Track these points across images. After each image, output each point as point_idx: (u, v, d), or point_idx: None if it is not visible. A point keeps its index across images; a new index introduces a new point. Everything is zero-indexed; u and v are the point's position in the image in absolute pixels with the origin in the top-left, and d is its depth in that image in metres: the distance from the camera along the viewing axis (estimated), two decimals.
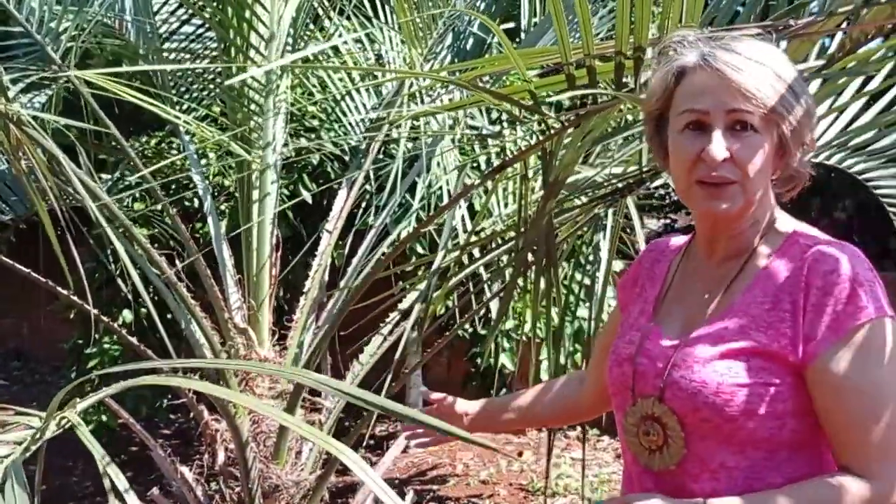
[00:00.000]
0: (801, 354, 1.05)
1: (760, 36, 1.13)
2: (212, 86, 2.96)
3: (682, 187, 1.14)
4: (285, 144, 2.67)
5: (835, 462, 1.08)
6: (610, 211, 2.32)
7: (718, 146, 1.06)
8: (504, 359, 3.91)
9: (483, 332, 3.84)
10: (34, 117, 2.33)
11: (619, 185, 1.99)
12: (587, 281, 3.15)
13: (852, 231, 5.73)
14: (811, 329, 1.05)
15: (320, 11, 3.18)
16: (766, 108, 1.06)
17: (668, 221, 7.05)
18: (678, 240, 1.35)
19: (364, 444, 5.17)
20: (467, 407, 1.61)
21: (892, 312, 1.05)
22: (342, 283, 2.66)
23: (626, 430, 1.20)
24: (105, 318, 2.43)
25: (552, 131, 1.75)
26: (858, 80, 2.18)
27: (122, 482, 1.37)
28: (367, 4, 3.22)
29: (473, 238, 2.41)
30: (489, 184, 2.54)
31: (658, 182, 2.34)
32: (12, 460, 1.08)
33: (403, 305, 2.75)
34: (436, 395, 1.65)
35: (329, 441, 0.93)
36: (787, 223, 1.17)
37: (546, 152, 1.86)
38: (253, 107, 2.42)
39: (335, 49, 3.25)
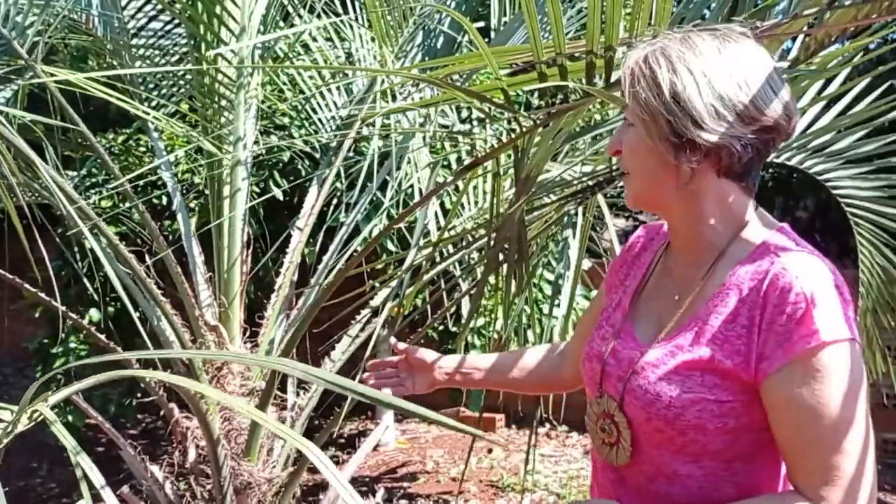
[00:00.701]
0: (753, 372, 1.03)
1: (715, 34, 1.09)
2: (181, 82, 2.94)
3: None
4: (255, 142, 2.66)
5: (790, 480, 1.06)
6: (580, 209, 2.35)
7: (611, 139, 1.17)
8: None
9: (454, 329, 3.85)
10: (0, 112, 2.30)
11: (590, 182, 2.01)
12: (551, 277, 3.19)
13: (814, 230, 5.84)
14: (764, 348, 1.02)
15: (290, 9, 3.17)
16: (629, 103, 1.10)
17: (636, 223, 7.13)
18: (665, 227, 1.32)
19: (335, 442, 5.17)
20: (441, 362, 1.60)
21: (850, 334, 1.01)
22: (313, 281, 2.66)
23: (588, 419, 1.23)
24: (74, 316, 2.40)
25: (524, 129, 1.78)
26: (818, 84, 2.25)
27: (97, 477, 1.37)
28: (337, 1, 3.21)
29: (445, 235, 2.43)
30: (460, 182, 2.56)
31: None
32: None
33: (375, 303, 2.76)
34: (403, 346, 1.63)
35: (299, 439, 0.93)
36: (760, 229, 1.12)
37: (517, 150, 1.88)
38: (224, 102, 2.40)
39: (305, 46, 3.24)
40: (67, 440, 1.12)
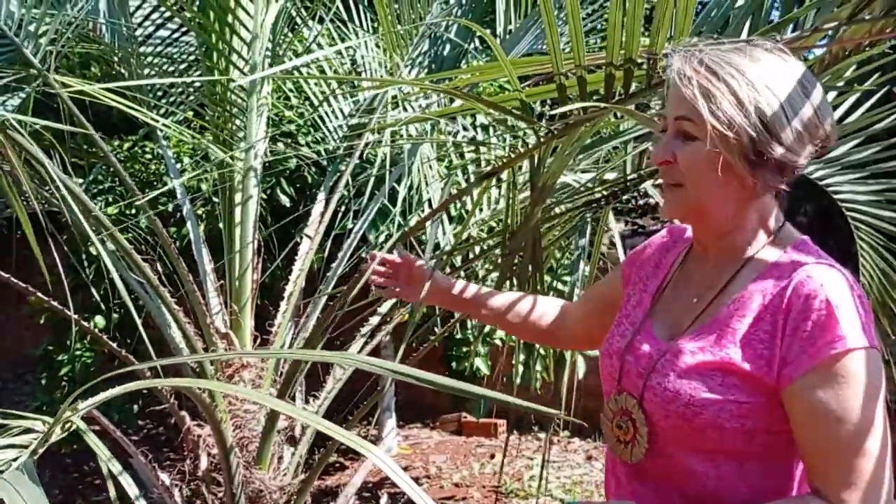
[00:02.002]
0: (776, 376, 1.05)
1: (766, 47, 1.11)
2: (191, 89, 2.94)
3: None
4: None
5: (808, 482, 1.08)
6: (588, 216, 2.37)
7: (658, 148, 1.13)
8: (479, 363, 3.94)
9: (458, 336, 3.86)
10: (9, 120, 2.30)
11: (605, 192, 2.03)
12: (559, 286, 3.20)
13: (813, 235, 5.86)
14: (788, 352, 1.04)
15: (296, 16, 3.18)
16: (697, 118, 1.07)
17: (634, 227, 7.15)
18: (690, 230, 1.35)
19: (338, 447, 5.17)
20: (438, 276, 1.67)
21: (870, 342, 1.03)
22: (323, 288, 2.67)
23: (604, 415, 1.24)
24: (84, 323, 2.40)
25: (541, 140, 1.79)
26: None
27: (133, 489, 1.37)
28: (342, 7, 3.22)
29: (458, 243, 2.44)
30: (471, 190, 2.57)
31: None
32: (23, 462, 1.07)
33: (382, 310, 2.76)
34: (406, 254, 1.71)
35: (345, 432, 0.93)
36: (785, 240, 1.15)
37: (534, 160, 1.90)
38: (235, 109, 2.41)
39: (309, 51, 3.25)
40: (101, 450, 1.13)
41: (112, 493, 1.14)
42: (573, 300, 2.37)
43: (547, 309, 1.62)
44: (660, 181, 1.19)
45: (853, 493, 1.01)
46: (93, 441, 1.13)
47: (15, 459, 1.06)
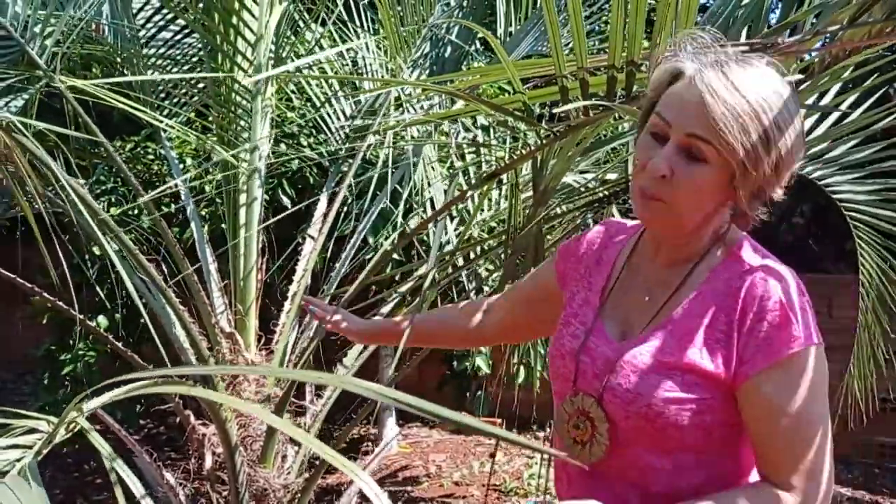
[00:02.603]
0: (733, 374, 1.09)
1: (769, 62, 1.11)
2: (195, 90, 2.96)
3: (630, 186, 1.16)
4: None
5: (757, 469, 1.13)
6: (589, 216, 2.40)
7: (660, 161, 1.07)
8: (479, 361, 3.96)
9: None
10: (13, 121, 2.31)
11: (606, 192, 2.05)
12: None
13: (810, 234, 5.90)
14: (744, 352, 1.08)
15: (298, 18, 3.19)
16: (723, 142, 1.03)
17: None
18: (629, 226, 1.36)
19: (336, 446, 5.19)
20: (360, 325, 1.73)
21: (818, 339, 1.09)
22: (326, 289, 2.68)
23: (559, 417, 1.24)
24: (90, 323, 2.42)
25: (543, 141, 1.81)
26: (812, 97, 2.31)
27: (138, 488, 1.38)
28: (343, 9, 3.24)
29: (460, 244, 2.46)
30: (471, 191, 2.59)
31: None
32: (26, 463, 1.08)
33: (385, 310, 2.78)
34: (314, 301, 1.76)
35: (335, 454, 0.94)
36: (733, 236, 1.18)
37: (536, 162, 1.92)
38: (240, 111, 2.43)
39: (311, 53, 3.27)
40: (104, 448, 1.14)
41: (120, 496, 1.15)
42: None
43: (469, 312, 1.62)
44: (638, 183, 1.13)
45: (802, 480, 1.07)
46: (98, 442, 1.13)
47: (19, 460, 1.07)
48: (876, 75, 1.99)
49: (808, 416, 1.07)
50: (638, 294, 1.23)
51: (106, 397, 1.22)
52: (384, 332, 1.77)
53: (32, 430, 1.14)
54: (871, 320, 2.51)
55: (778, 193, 1.12)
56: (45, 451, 1.13)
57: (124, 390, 1.25)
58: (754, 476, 1.16)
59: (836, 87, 2.26)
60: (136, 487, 1.35)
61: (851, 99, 2.25)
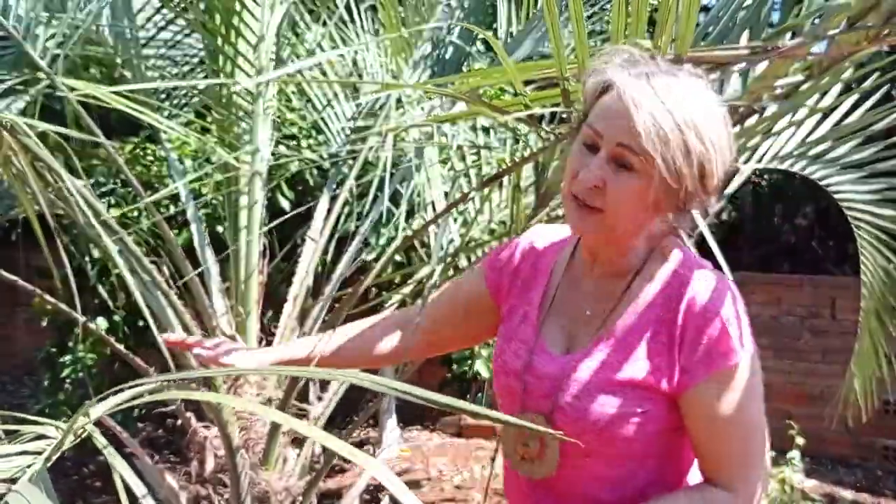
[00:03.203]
0: (675, 384, 1.13)
1: (697, 75, 1.14)
2: (195, 91, 2.96)
3: (563, 194, 1.17)
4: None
5: (699, 469, 1.19)
6: None
7: (591, 172, 1.08)
8: (479, 365, 3.96)
9: None
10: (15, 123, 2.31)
11: None
12: None
13: (813, 236, 5.90)
14: (686, 363, 1.12)
15: (299, 20, 3.19)
16: (644, 153, 1.05)
17: None
18: (559, 234, 1.36)
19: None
20: (257, 359, 1.48)
21: (752, 346, 1.14)
22: (328, 291, 2.68)
23: (506, 433, 1.26)
24: (92, 325, 2.41)
25: (545, 144, 1.81)
26: (813, 98, 2.32)
27: (140, 488, 1.38)
28: (343, 9, 3.23)
29: (456, 246, 2.45)
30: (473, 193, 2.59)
31: None
32: (36, 469, 1.08)
33: (386, 313, 2.78)
34: (174, 338, 1.53)
35: (346, 445, 0.93)
36: (667, 247, 1.20)
37: (538, 164, 1.92)
38: (241, 113, 2.43)
39: (311, 53, 3.26)
40: (114, 457, 1.13)
41: (124, 499, 1.14)
42: None
43: (383, 329, 1.50)
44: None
45: (742, 481, 1.14)
46: (108, 451, 1.12)
47: (29, 466, 1.06)
48: (877, 74, 1.99)
49: (746, 420, 1.13)
50: (578, 307, 1.24)
51: (111, 402, 1.21)
52: (285, 363, 1.53)
53: (41, 437, 1.13)
54: (871, 321, 2.52)
55: (710, 205, 1.15)
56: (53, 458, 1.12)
57: (129, 395, 1.24)
58: (695, 473, 1.21)
59: (836, 88, 2.26)
60: (138, 488, 1.35)
61: (852, 99, 2.25)
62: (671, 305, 1.14)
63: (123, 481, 1.14)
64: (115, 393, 1.18)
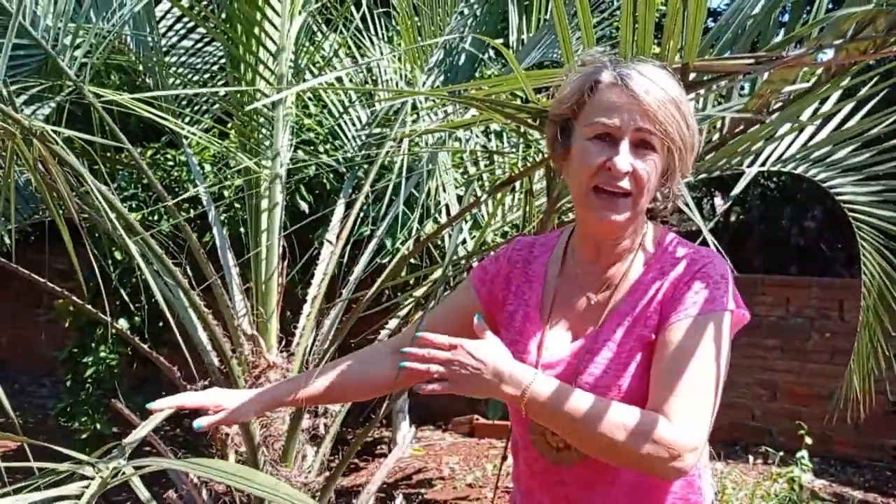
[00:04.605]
0: (658, 328, 1.22)
1: (660, 64, 1.26)
2: (216, 98, 3.03)
3: (581, 191, 1.23)
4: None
5: (647, 406, 1.19)
6: None
7: (624, 159, 1.18)
8: None
9: None
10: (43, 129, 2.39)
11: None
12: None
13: (821, 238, 5.92)
14: (667, 308, 1.21)
15: (316, 29, 3.26)
16: (665, 133, 1.18)
17: None
18: (544, 238, 1.44)
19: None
20: (250, 403, 1.40)
21: (735, 307, 1.21)
22: (345, 293, 2.75)
23: (531, 429, 1.31)
24: (116, 326, 2.49)
25: None
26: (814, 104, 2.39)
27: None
28: (357, 16, 3.30)
29: (474, 249, 2.52)
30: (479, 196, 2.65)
31: None
32: None
33: (402, 313, 2.85)
34: (160, 404, 1.39)
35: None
36: (655, 231, 1.32)
37: (550, 168, 1.98)
38: (262, 119, 2.50)
39: (324, 59, 3.33)
40: (141, 492, 1.17)
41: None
42: None
43: (374, 358, 1.46)
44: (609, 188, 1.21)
45: (679, 415, 1.14)
46: (136, 485, 1.14)
47: None
48: (875, 80, 2.05)
49: (707, 367, 1.16)
50: (580, 300, 1.31)
51: (154, 463, 1.19)
52: (276, 403, 1.49)
53: (75, 474, 1.12)
54: (870, 317, 2.59)
55: (690, 171, 1.27)
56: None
57: (169, 463, 1.24)
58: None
59: (836, 94, 2.32)
60: (180, 481, 1.38)
61: (852, 105, 2.33)
62: (666, 272, 1.25)
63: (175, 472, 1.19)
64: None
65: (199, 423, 1.37)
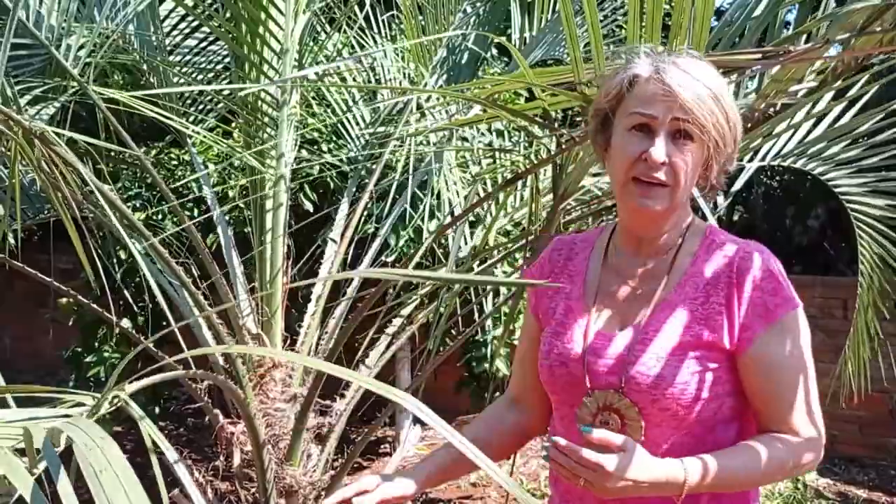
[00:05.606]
0: (736, 341, 1.22)
1: (698, 56, 1.28)
2: (220, 97, 3.03)
3: (620, 181, 1.26)
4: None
5: (762, 427, 1.26)
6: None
7: (660, 150, 1.20)
8: (499, 363, 4.01)
9: (479, 338, 3.93)
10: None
11: None
12: None
13: (825, 237, 5.91)
14: (745, 319, 1.21)
15: (320, 29, 3.26)
16: (700, 125, 1.19)
17: None
18: (583, 235, 1.47)
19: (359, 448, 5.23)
20: (404, 487, 1.36)
21: (799, 301, 1.25)
22: (349, 292, 2.75)
23: (579, 420, 1.28)
24: (122, 325, 2.49)
25: (563, 146, 1.87)
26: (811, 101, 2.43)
27: (172, 453, 1.42)
28: (360, 14, 3.30)
29: (479, 248, 2.52)
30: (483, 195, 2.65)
31: None
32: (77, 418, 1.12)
33: (405, 312, 2.84)
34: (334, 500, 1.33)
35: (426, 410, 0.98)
36: (701, 224, 1.34)
37: (556, 166, 1.98)
38: (266, 119, 2.50)
39: (328, 58, 3.33)
40: (152, 430, 1.18)
41: (160, 478, 1.18)
42: None
43: (499, 416, 1.49)
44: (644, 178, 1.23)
45: (808, 426, 1.23)
46: (135, 411, 1.17)
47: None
48: (867, 79, 2.09)
49: (805, 367, 1.22)
50: (624, 290, 1.32)
51: (147, 381, 1.25)
52: (439, 474, 1.44)
53: (79, 404, 1.19)
54: (865, 299, 2.63)
55: (734, 166, 1.30)
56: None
57: (161, 376, 1.29)
58: None
59: (829, 94, 2.37)
60: (185, 479, 1.40)
61: (844, 104, 2.40)
62: (722, 271, 1.25)
63: (161, 460, 1.19)
64: (145, 376, 1.24)
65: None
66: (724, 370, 1.23)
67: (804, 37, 1.67)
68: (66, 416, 1.10)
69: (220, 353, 2.54)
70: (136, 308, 3.79)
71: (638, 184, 1.23)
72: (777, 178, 5.92)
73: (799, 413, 1.22)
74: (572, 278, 1.39)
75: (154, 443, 0.99)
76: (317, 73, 3.18)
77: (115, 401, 1.15)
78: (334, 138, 3.42)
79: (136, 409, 1.16)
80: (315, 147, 3.44)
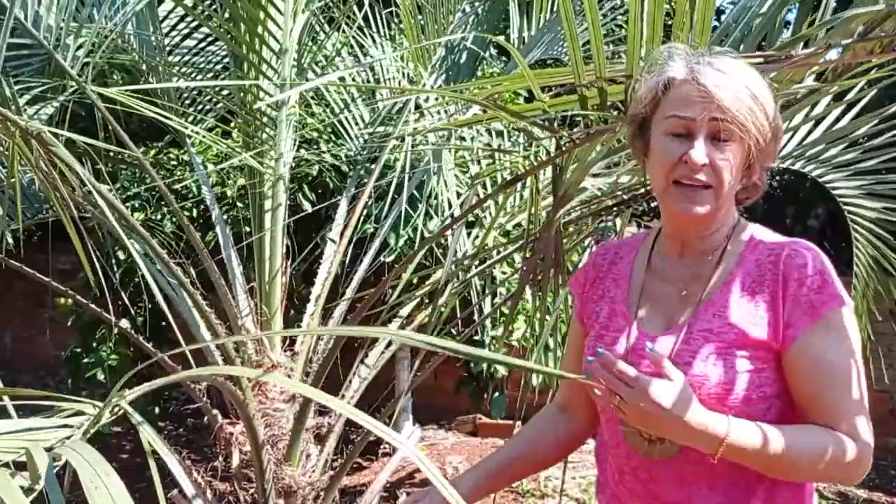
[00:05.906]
0: (781, 339, 1.19)
1: (735, 55, 1.26)
2: (219, 97, 3.03)
3: (661, 186, 1.24)
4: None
5: None
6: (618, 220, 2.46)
7: (700, 152, 1.18)
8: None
9: (477, 338, 3.93)
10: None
11: (626, 196, 2.10)
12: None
13: (824, 237, 5.91)
14: (790, 317, 1.18)
15: (319, 29, 3.26)
16: (740, 124, 1.17)
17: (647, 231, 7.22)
18: (628, 240, 1.46)
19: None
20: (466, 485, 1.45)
21: (849, 300, 1.21)
22: (349, 292, 2.74)
23: (623, 422, 1.27)
24: (121, 325, 2.48)
25: (563, 148, 1.86)
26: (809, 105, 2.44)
27: (171, 458, 1.43)
28: (360, 15, 3.29)
29: (478, 249, 2.51)
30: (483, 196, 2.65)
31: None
32: (75, 439, 1.12)
33: (404, 312, 2.84)
34: None
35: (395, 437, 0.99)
36: (746, 225, 1.31)
37: (556, 167, 1.97)
38: (266, 119, 2.50)
39: (327, 58, 3.32)
40: (152, 437, 1.18)
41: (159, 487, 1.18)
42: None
43: (551, 421, 1.54)
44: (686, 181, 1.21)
45: (856, 424, 1.18)
46: (137, 419, 1.18)
47: (68, 438, 1.11)
48: (865, 81, 2.09)
49: (851, 366, 1.18)
50: (668, 292, 1.31)
51: (146, 386, 1.26)
52: (487, 485, 1.49)
53: (79, 413, 1.19)
54: (865, 318, 2.63)
55: (775, 163, 1.30)
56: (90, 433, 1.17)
57: (161, 381, 1.29)
58: None
59: (828, 98, 2.39)
60: (184, 481, 1.40)
61: (842, 107, 2.43)
62: (768, 269, 1.22)
63: (159, 463, 1.20)
64: (144, 376, 1.24)
65: None
66: (772, 370, 1.20)
67: (803, 42, 1.66)
68: (67, 425, 1.10)
69: (219, 354, 2.54)
70: (136, 308, 3.79)
71: (679, 187, 1.21)
72: (777, 178, 5.92)
73: (845, 416, 1.17)
74: (617, 282, 1.38)
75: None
76: (316, 74, 3.17)
77: (116, 409, 1.15)
78: (334, 138, 3.41)
79: (136, 416, 1.16)
80: (314, 147, 3.43)
